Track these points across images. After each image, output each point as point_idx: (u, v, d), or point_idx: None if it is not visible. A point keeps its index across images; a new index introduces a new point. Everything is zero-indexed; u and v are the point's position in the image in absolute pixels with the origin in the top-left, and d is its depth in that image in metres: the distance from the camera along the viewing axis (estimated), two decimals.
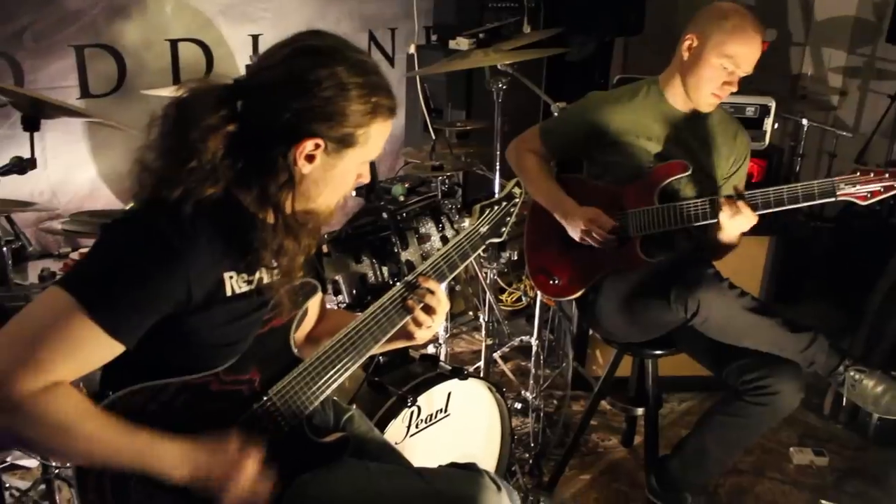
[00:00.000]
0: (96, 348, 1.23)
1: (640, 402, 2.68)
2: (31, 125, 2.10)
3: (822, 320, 3.92)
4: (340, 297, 2.53)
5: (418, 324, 1.59)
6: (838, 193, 2.08)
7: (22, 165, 2.06)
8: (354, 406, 1.83)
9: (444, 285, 1.64)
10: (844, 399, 2.24)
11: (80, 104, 3.19)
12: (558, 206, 2.43)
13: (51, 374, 1.19)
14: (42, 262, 2.63)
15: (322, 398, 1.50)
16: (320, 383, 1.49)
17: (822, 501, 2.71)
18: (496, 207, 1.78)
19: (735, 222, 2.14)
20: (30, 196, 3.08)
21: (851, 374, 2.14)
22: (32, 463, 2.64)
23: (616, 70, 4.94)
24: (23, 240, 2.68)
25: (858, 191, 2.07)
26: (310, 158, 1.34)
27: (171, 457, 1.28)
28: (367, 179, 1.46)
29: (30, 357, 1.18)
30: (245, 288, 1.37)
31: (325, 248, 2.52)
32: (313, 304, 1.64)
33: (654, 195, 2.33)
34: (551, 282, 2.53)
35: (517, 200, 1.82)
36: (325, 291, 1.59)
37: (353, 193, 2.86)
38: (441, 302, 1.60)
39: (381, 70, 1.39)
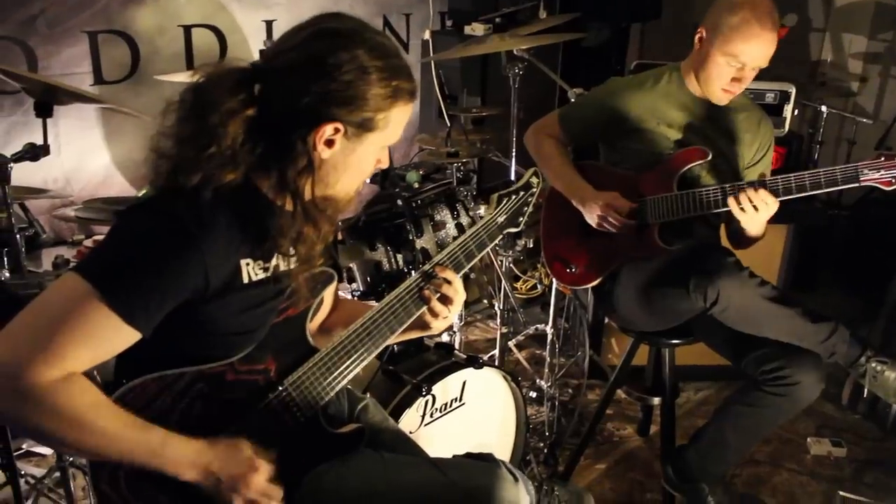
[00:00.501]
0: (112, 335, 1.21)
1: (657, 391, 2.66)
2: (44, 111, 2.08)
3: (839, 309, 3.88)
4: (355, 285, 2.52)
5: (434, 314, 1.57)
6: (862, 179, 2.03)
7: (35, 152, 2.04)
8: (368, 395, 1.82)
9: (460, 275, 1.62)
10: (865, 390, 2.20)
11: (94, 90, 3.19)
12: (576, 191, 2.40)
13: (66, 362, 1.17)
14: (56, 250, 2.63)
15: (338, 389, 1.49)
16: (336, 374, 1.47)
17: (841, 493, 2.68)
18: (514, 197, 1.76)
19: (754, 212, 2.10)
20: (43, 183, 3.09)
21: (873, 365, 2.12)
22: (47, 450, 2.65)
23: (633, 56, 4.89)
24: (36, 227, 2.69)
25: (883, 176, 2.02)
26: (329, 143, 1.32)
27: (183, 456, 1.26)
28: (386, 165, 1.44)
29: (45, 344, 1.16)
30: (262, 275, 1.36)
31: (339, 236, 2.51)
32: (328, 294, 1.62)
33: (673, 182, 2.29)
34: (568, 270, 2.51)
35: (535, 190, 1.80)
36: (340, 280, 1.57)
37: (368, 180, 2.84)
38: (458, 292, 1.58)
39: (401, 53, 1.37)
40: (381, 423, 1.73)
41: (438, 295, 1.56)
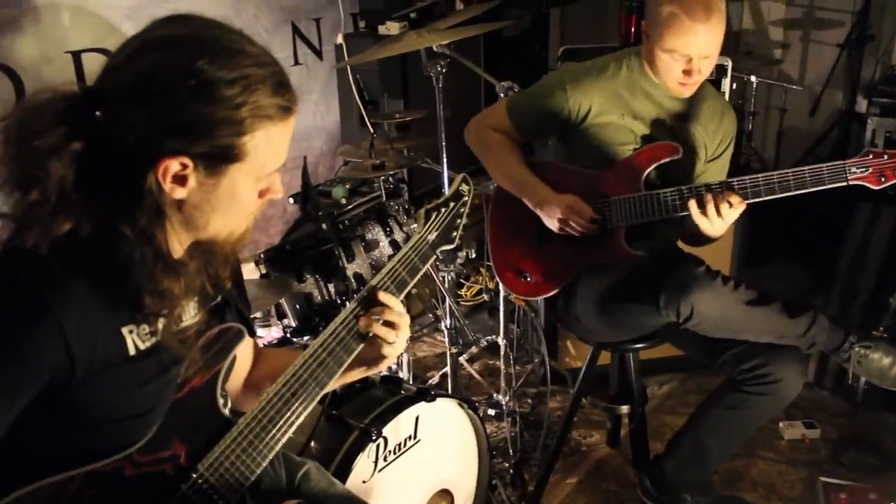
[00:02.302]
0: None
1: (624, 399, 2.48)
2: None
3: (791, 281, 3.85)
4: (286, 321, 2.29)
5: (380, 344, 1.35)
6: (850, 178, 1.91)
7: None
8: (312, 446, 1.59)
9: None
10: (850, 375, 2.09)
11: None
12: (531, 193, 2.18)
13: None
14: None
15: (265, 462, 1.25)
16: (261, 446, 1.24)
17: (821, 479, 2.57)
18: (443, 210, 1.53)
19: (727, 214, 1.94)
20: None
21: (857, 349, 2.00)
22: None
23: (555, 42, 4.76)
24: None
25: (871, 173, 1.91)
26: (180, 180, 1.06)
27: None
28: (278, 194, 1.19)
29: None
30: (150, 342, 1.12)
31: (262, 269, 2.28)
32: (243, 349, 1.38)
33: (639, 181, 2.11)
34: (523, 279, 2.28)
35: (466, 199, 1.57)
36: (252, 335, 1.33)
37: (291, 201, 2.62)
38: (402, 315, 1.36)
39: (269, 57, 1.11)
40: (327, 490, 1.51)
41: (381, 321, 1.34)
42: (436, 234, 1.52)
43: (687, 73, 2.05)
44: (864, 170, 1.91)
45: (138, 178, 1.04)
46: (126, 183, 1.05)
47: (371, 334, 1.34)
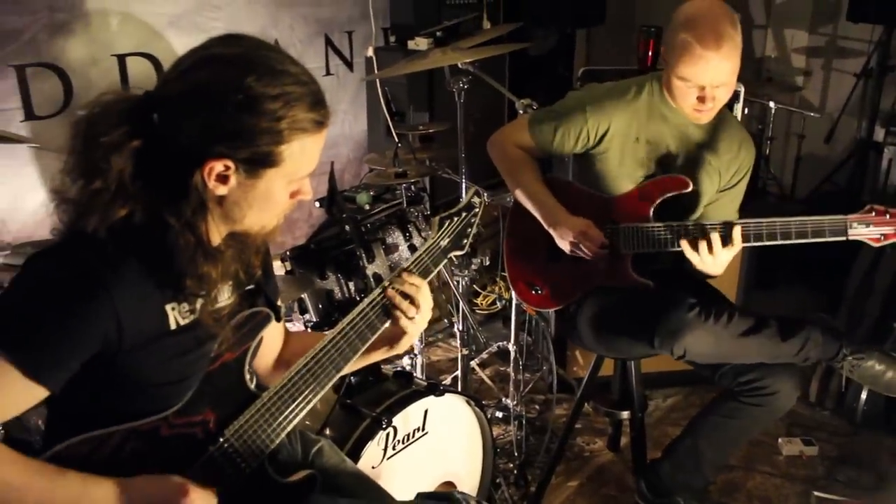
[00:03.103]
0: (15, 393, 1.12)
1: (625, 405, 2.59)
2: None
3: (801, 304, 3.91)
4: (307, 316, 2.43)
5: (402, 320, 1.49)
6: (850, 233, 1.99)
7: None
8: (327, 433, 1.72)
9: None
10: (844, 381, 2.19)
11: (25, 126, 3.05)
12: (546, 212, 2.24)
13: None
14: None
15: (284, 434, 1.39)
16: (281, 418, 1.38)
17: (815, 493, 2.65)
18: (456, 219, 1.66)
19: (724, 255, 2.04)
20: None
21: (850, 359, 2.11)
22: None
23: (580, 62, 4.88)
24: None
25: (871, 232, 1.98)
26: (223, 179, 1.21)
27: (106, 496, 1.17)
28: (307, 196, 1.33)
29: None
30: (189, 318, 1.27)
31: (287, 266, 2.42)
32: (271, 332, 1.53)
33: (649, 210, 2.19)
34: (533, 292, 2.39)
35: (477, 210, 1.71)
36: (279, 319, 1.47)
37: (317, 205, 2.76)
38: (425, 293, 1.50)
39: (308, 76, 1.25)
40: (338, 466, 1.64)
41: (408, 299, 1.48)
42: (448, 240, 1.65)
43: (701, 99, 2.09)
44: (865, 227, 1.98)
45: (186, 175, 1.19)
46: (176, 179, 1.19)
47: (395, 313, 1.47)
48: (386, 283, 1.49)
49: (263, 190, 1.24)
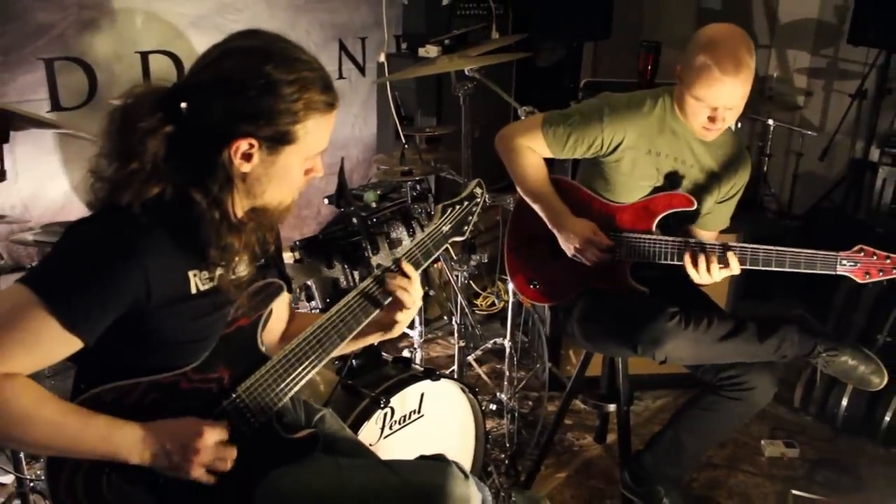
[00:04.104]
0: (54, 343, 1.26)
1: (612, 398, 2.72)
2: (1, 136, 2.11)
3: (783, 313, 4.00)
4: (314, 303, 2.56)
5: (394, 310, 1.62)
6: (839, 268, 2.12)
7: None
8: (327, 407, 1.86)
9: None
10: (819, 375, 2.30)
11: (51, 117, 3.19)
12: (552, 213, 2.33)
13: (7, 366, 1.23)
14: (15, 276, 2.63)
15: (291, 394, 1.53)
16: (288, 380, 1.51)
17: (793, 492, 2.76)
18: (458, 207, 1.80)
19: (720, 274, 2.17)
20: (0, 210, 3.08)
21: (823, 356, 2.25)
22: (8, 478, 2.63)
23: (586, 74, 5.01)
24: None
25: (858, 268, 2.12)
26: (247, 157, 1.37)
27: (130, 438, 1.31)
28: (320, 173, 1.48)
29: None
30: (208, 285, 1.41)
31: (297, 255, 2.55)
32: (281, 306, 1.67)
33: (652, 223, 2.31)
34: (531, 286, 2.51)
35: (479, 200, 1.84)
36: (290, 291, 1.61)
37: (326, 201, 2.89)
38: (416, 285, 1.63)
39: (318, 64, 1.41)
40: (338, 433, 1.78)
41: (399, 286, 1.60)
42: (449, 226, 1.79)
43: (711, 119, 2.17)
44: (853, 264, 2.11)
45: (215, 154, 1.34)
46: (205, 158, 1.35)
47: (387, 301, 1.61)
48: (378, 273, 1.62)
49: (282, 166, 1.40)
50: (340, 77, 4.26)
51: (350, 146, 4.38)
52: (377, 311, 1.61)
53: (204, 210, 1.36)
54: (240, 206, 1.43)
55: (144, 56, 3.45)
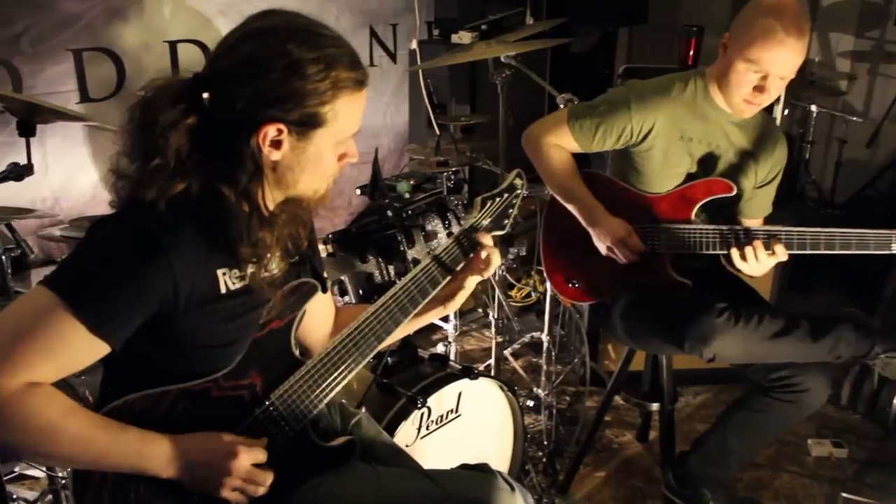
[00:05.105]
0: (79, 347, 1.20)
1: (655, 397, 2.63)
2: (27, 130, 2.07)
3: (836, 307, 3.89)
4: (347, 298, 2.49)
5: (477, 268, 1.60)
6: (894, 247, 2.05)
7: (18, 172, 2.03)
8: (363, 409, 1.79)
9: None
10: (875, 378, 2.20)
11: (80, 109, 3.16)
12: (585, 210, 2.25)
13: (31, 373, 1.16)
14: (45, 270, 2.60)
15: (327, 400, 1.46)
16: (324, 385, 1.45)
17: (843, 494, 2.65)
18: (497, 199, 1.71)
19: (768, 262, 2.08)
20: (31, 203, 3.06)
21: (883, 357, 2.13)
22: (40, 473, 2.61)
23: (621, 60, 4.89)
24: (24, 247, 2.66)
25: None
26: (276, 144, 1.28)
27: (162, 453, 1.25)
28: (354, 159, 1.40)
29: (9, 355, 1.15)
30: (239, 284, 1.34)
31: (329, 248, 2.49)
32: (320, 305, 1.60)
33: (691, 212, 2.22)
34: (570, 285, 2.41)
35: (519, 192, 1.75)
36: (325, 290, 1.53)
37: (358, 192, 2.82)
38: (494, 248, 1.60)
39: (344, 40, 1.32)
40: (375, 437, 1.70)
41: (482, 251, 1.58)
42: (489, 219, 1.70)
43: (758, 89, 2.07)
44: None
45: (242, 143, 1.26)
46: (231, 149, 1.27)
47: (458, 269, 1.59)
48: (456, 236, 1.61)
49: (314, 152, 1.31)
50: (371, 65, 4.19)
51: (381, 135, 4.31)
52: (448, 277, 1.58)
53: (233, 204, 1.29)
54: (271, 199, 1.35)
55: (173, 45, 3.41)
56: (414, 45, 4.08)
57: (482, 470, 1.59)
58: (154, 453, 1.24)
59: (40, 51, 3.03)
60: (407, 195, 3.04)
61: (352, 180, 3.67)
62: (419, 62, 4.04)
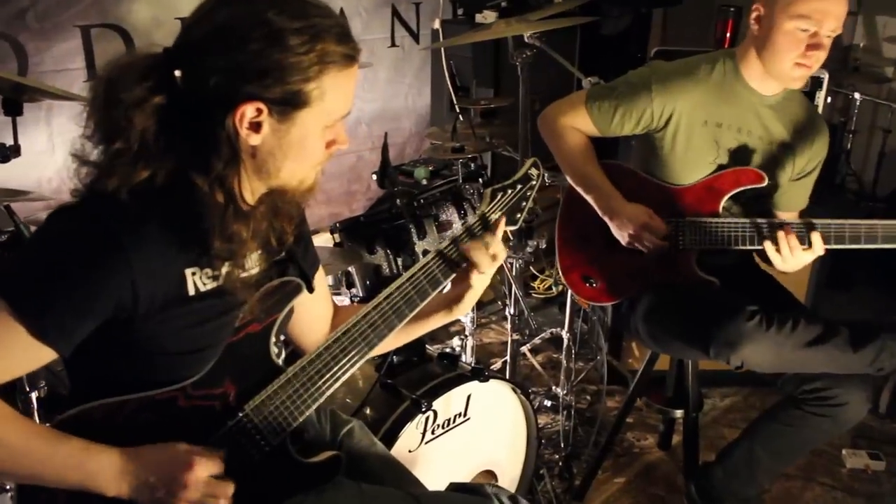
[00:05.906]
0: (22, 353, 1.09)
1: (679, 402, 2.47)
2: (13, 109, 1.96)
3: (873, 307, 3.71)
4: (354, 290, 2.37)
5: (468, 276, 1.43)
6: None
7: (4, 153, 1.92)
8: (366, 412, 1.65)
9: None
10: None
11: (88, 87, 3.07)
12: (602, 199, 2.10)
13: None
14: None
15: (309, 411, 1.32)
16: (306, 396, 1.31)
17: None
18: (510, 191, 1.54)
19: (803, 256, 1.93)
20: (37, 184, 2.99)
21: None
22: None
23: (654, 43, 4.71)
24: (23, 230, 2.57)
25: None
26: (255, 127, 1.14)
27: (107, 466, 1.12)
28: (344, 145, 1.25)
29: None
30: (210, 285, 1.21)
31: (336, 238, 2.36)
32: (315, 304, 1.47)
33: (718, 204, 2.06)
34: (587, 284, 2.26)
35: (534, 183, 1.57)
36: (311, 290, 1.39)
37: (374, 178, 2.69)
38: (500, 243, 1.43)
39: (332, 11, 1.18)
40: (368, 449, 1.57)
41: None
42: (499, 214, 1.53)
43: (812, 47, 1.90)
44: None
45: (216, 125, 1.12)
46: (204, 131, 1.13)
47: (463, 265, 1.42)
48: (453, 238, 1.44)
49: (298, 136, 1.17)
50: (393, 45, 4.06)
51: (403, 118, 4.18)
52: (450, 277, 1.42)
53: (205, 194, 1.15)
54: (250, 190, 1.22)
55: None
56: (437, 24, 3.93)
57: (478, 493, 1.45)
58: (99, 466, 1.12)
59: (47, 27, 2.95)
60: (425, 181, 2.90)
61: (371, 164, 3.54)
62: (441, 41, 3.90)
